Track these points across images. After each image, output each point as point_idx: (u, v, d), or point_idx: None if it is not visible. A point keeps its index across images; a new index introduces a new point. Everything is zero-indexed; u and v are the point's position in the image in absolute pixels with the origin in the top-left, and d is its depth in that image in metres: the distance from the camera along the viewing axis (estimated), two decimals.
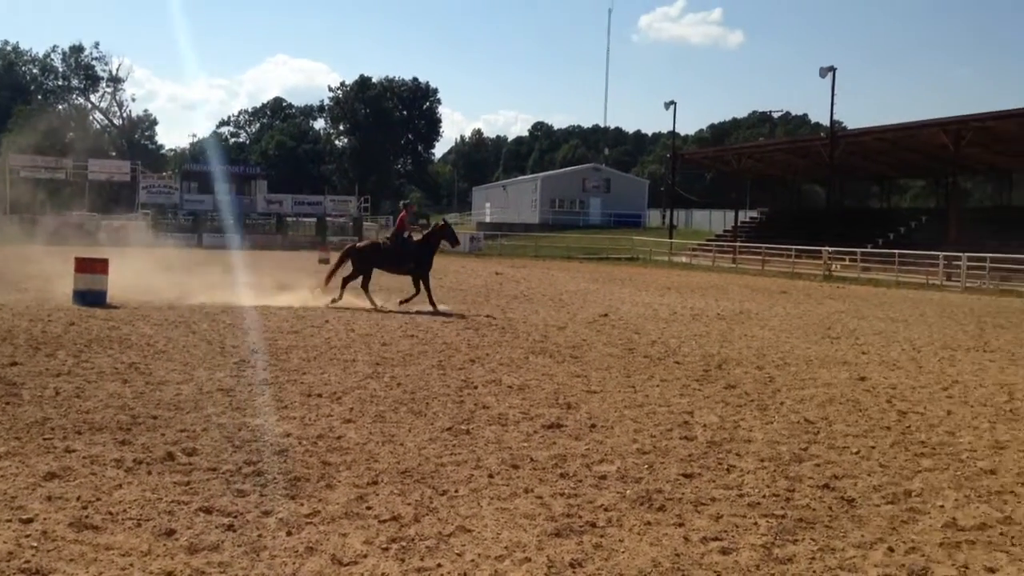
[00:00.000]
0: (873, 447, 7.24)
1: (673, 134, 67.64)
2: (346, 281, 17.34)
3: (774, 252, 43.86)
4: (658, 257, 50.74)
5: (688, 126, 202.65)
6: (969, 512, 5.60)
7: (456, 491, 5.70)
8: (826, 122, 47.86)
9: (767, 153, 56.93)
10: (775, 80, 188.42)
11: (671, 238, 55.46)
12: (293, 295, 17.78)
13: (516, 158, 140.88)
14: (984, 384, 10.57)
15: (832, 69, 43.68)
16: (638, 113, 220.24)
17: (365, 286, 17.29)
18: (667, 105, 57.58)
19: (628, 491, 5.81)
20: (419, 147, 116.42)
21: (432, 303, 17.00)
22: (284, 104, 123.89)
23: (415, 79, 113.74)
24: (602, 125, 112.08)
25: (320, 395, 8.54)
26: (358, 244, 18.47)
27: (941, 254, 34.42)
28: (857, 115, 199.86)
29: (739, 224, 56.86)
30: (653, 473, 6.27)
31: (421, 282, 17.34)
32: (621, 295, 22.71)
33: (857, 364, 11.95)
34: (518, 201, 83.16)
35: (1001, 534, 5.22)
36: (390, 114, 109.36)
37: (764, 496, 5.82)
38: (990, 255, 32.68)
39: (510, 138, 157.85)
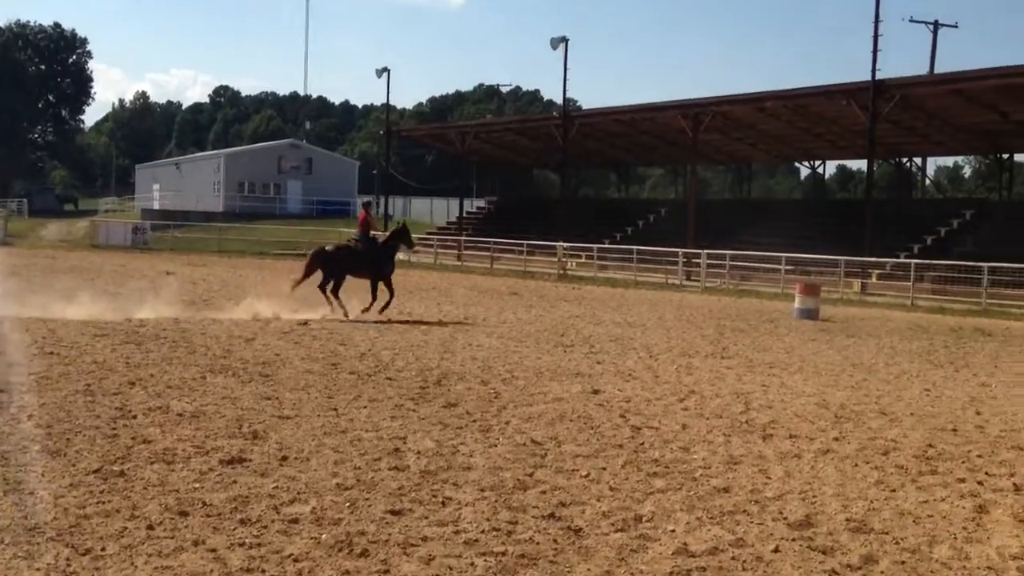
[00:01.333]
0: (604, 468, 7.73)
1: (387, 107, 68.25)
2: (323, 289, 18.61)
3: (504, 247, 45.53)
4: None
5: (405, 98, 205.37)
6: (701, 536, 6.13)
7: (103, 549, 5.42)
8: (559, 99, 50.38)
9: (495, 133, 58.98)
10: (503, 50, 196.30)
11: (386, 231, 55.76)
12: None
13: (194, 130, 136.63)
14: (721, 394, 11.62)
15: (564, 40, 46.05)
16: (346, 81, 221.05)
17: (336, 291, 18.59)
18: (379, 72, 57.95)
19: (324, 535, 5.80)
20: (63, 112, 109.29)
21: (386, 305, 18.72)
22: None
23: (57, 25, 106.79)
24: (302, 93, 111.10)
25: None
26: (327, 247, 19.77)
27: (680, 251, 37.42)
28: (594, 94, 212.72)
29: (465, 215, 58.38)
30: (355, 512, 6.30)
31: (383, 284, 19.01)
32: (323, 299, 22.51)
33: (591, 375, 12.70)
34: (196, 183, 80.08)
35: (732, 558, 5.77)
36: (22, 69, 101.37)
37: (483, 531, 6.02)
38: (729, 252, 36.01)
39: (186, 104, 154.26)
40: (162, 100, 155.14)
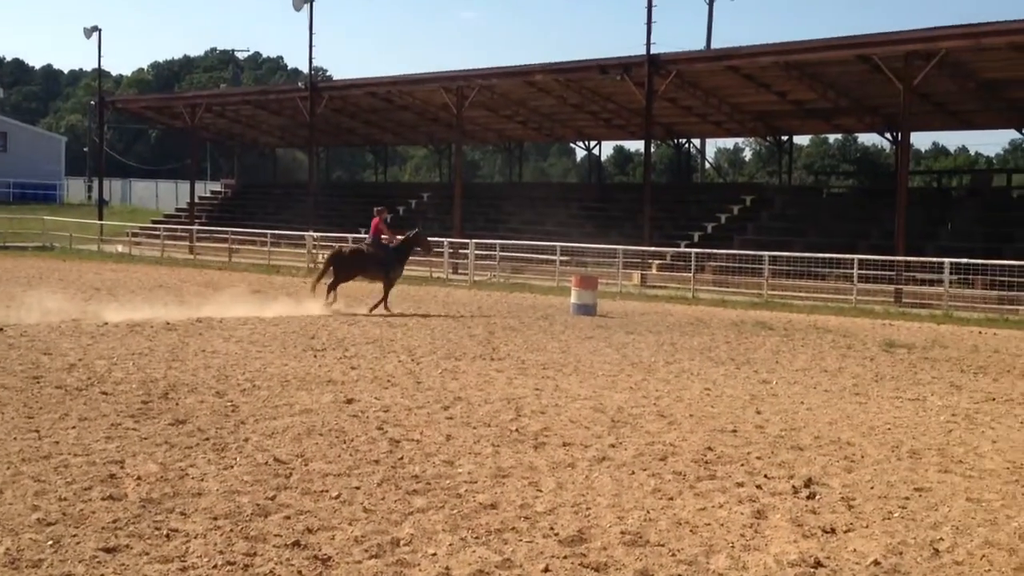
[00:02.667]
0: (358, 488, 7.75)
1: (99, 72, 65.42)
2: (334, 286, 22.86)
3: (245, 238, 44.73)
4: (83, 245, 48.95)
5: (123, 63, 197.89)
6: (464, 559, 6.25)
7: None
8: (306, 68, 49.83)
9: (231, 105, 57.68)
10: (240, 10, 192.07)
11: (101, 219, 53.85)
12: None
13: None
14: (490, 400, 11.85)
15: (309, 0, 45.53)
16: (48, 41, 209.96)
17: (334, 287, 22.84)
18: (89, 31, 55.42)
19: None
20: None
21: (386, 304, 22.64)
22: None
23: None
24: None
25: None
26: (343, 249, 24.86)
27: (446, 240, 37.85)
28: (348, 64, 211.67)
29: (197, 200, 56.97)
30: (60, 551, 6.08)
31: (385, 286, 23.11)
32: (24, 300, 21.46)
33: (345, 383, 12.69)
34: None
35: None
36: None
37: (215, 566, 5.93)
38: (500, 242, 36.72)
39: None
40: None
